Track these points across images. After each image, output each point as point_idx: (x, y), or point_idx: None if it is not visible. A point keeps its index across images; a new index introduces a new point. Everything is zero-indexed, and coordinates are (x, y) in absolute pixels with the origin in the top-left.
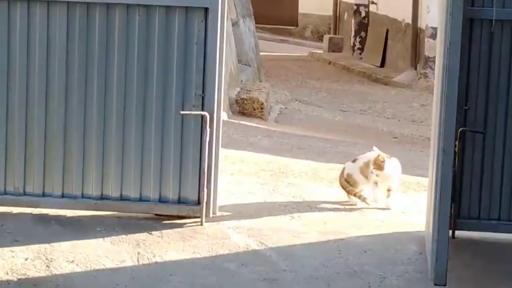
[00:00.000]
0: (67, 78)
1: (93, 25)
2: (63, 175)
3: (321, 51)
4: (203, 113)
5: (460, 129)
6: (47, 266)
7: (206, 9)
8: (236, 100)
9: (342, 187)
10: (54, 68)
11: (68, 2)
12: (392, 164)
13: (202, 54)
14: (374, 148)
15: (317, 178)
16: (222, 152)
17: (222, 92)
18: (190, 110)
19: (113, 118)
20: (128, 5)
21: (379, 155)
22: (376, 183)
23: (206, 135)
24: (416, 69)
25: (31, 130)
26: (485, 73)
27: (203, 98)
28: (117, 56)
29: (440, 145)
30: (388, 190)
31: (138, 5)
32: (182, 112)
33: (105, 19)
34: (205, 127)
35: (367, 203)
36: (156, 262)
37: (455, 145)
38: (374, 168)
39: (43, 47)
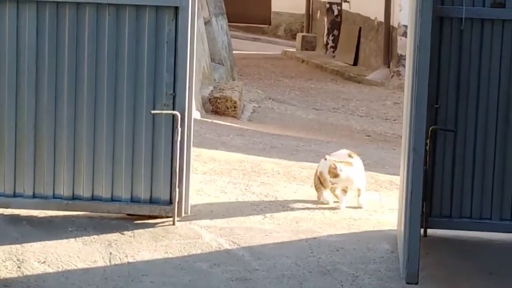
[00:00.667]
0: (37, 77)
1: (62, 24)
2: (34, 175)
3: (294, 50)
4: (174, 112)
5: (431, 127)
6: (19, 267)
7: (177, 8)
8: (209, 99)
9: (314, 185)
10: (24, 68)
11: (37, 1)
12: (351, 168)
13: (172, 53)
14: (327, 156)
15: (290, 177)
16: (194, 151)
17: (194, 91)
18: (161, 109)
19: (84, 117)
20: (98, 4)
21: (330, 164)
22: (334, 190)
23: (177, 135)
24: (389, 67)
25: (1, 130)
26: (455, 72)
27: (174, 97)
28: (87, 55)
29: (411, 143)
30: (358, 190)
31: (108, 4)
32: (153, 112)
33: (75, 18)
34: (176, 127)
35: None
36: (128, 262)
37: (426, 144)
38: (330, 177)
39: (12, 47)
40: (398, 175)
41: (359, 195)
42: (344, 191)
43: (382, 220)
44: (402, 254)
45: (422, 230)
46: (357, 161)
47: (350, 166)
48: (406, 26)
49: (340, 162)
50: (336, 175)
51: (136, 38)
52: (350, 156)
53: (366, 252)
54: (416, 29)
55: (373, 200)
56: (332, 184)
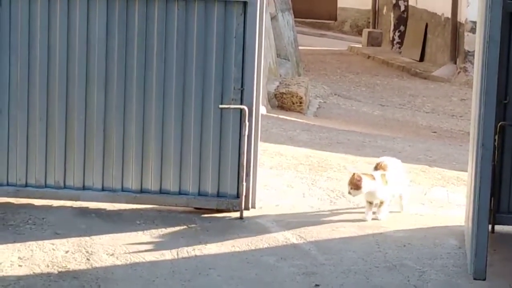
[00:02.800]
0: (106, 73)
1: (132, 19)
2: (103, 169)
3: (360, 45)
4: (242, 107)
5: (500, 123)
6: (87, 259)
7: (245, 3)
8: (275, 94)
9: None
10: (93, 62)
11: None
12: (373, 181)
13: (241, 48)
14: (348, 167)
15: None
16: (261, 145)
17: (261, 86)
18: (229, 104)
19: (153, 112)
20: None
21: (354, 174)
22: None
23: (245, 129)
24: (455, 63)
25: (71, 124)
26: None
27: (242, 92)
28: (156, 51)
29: (480, 139)
30: (381, 203)
31: None
32: (221, 106)
33: (144, 14)
34: (244, 121)
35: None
36: (196, 256)
37: (495, 139)
38: (351, 188)
39: (83, 40)
40: (465, 171)
41: (380, 206)
42: (370, 203)
43: (450, 216)
44: (470, 250)
45: (489, 226)
46: (398, 163)
47: (373, 179)
48: (473, 22)
49: (365, 174)
50: (358, 187)
51: (204, 33)
52: (380, 167)
53: (433, 248)
54: (485, 24)
55: (440, 196)
56: (352, 194)
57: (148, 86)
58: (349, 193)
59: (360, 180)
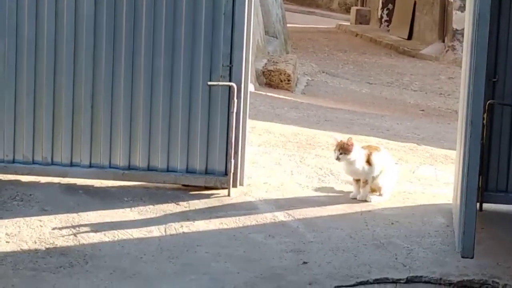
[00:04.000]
0: (94, 49)
1: None
2: (91, 145)
3: (348, 23)
4: (230, 84)
5: (489, 101)
6: (75, 236)
7: None
8: (263, 72)
9: None
10: (81, 38)
11: None
12: (360, 150)
13: (229, 25)
14: (335, 135)
15: None
16: (249, 123)
17: (250, 63)
18: (218, 81)
19: (141, 89)
20: None
21: (348, 138)
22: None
23: (233, 106)
24: (443, 41)
25: (58, 100)
26: None
27: (230, 69)
28: (145, 27)
29: (469, 117)
30: (364, 182)
31: None
32: (209, 83)
33: None
34: (233, 98)
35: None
36: (183, 233)
37: (483, 118)
38: (340, 153)
39: (71, 16)
40: (453, 149)
41: (363, 187)
42: (357, 181)
43: (437, 194)
44: (458, 228)
45: (477, 205)
46: (385, 154)
47: (362, 151)
48: (461, 0)
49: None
50: (348, 151)
51: (193, 9)
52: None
53: (421, 226)
54: (475, 2)
55: (428, 174)
56: (338, 158)
57: (136, 63)
58: (337, 158)
59: (351, 145)
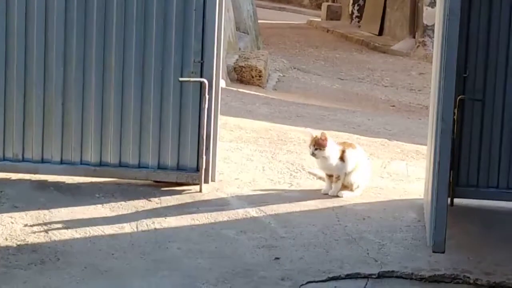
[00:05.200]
0: (65, 45)
1: None
2: (62, 142)
3: (319, 19)
4: (202, 80)
5: (459, 97)
6: (46, 232)
7: None
8: (234, 68)
9: None
10: (52, 35)
11: None
12: (335, 145)
13: (201, 20)
14: (309, 129)
15: None
16: (221, 119)
17: (221, 59)
18: (189, 77)
19: (112, 84)
20: None
21: (322, 134)
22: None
23: (205, 102)
24: (414, 37)
25: (29, 96)
26: (484, 41)
27: (201, 65)
28: (116, 22)
29: (439, 113)
30: (337, 178)
31: None
32: (181, 79)
33: None
34: (204, 94)
35: None
36: (155, 229)
37: (454, 113)
38: (315, 149)
39: (41, 12)
40: (424, 144)
41: (335, 182)
42: (329, 176)
43: (409, 189)
44: (429, 223)
45: (448, 200)
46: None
47: (336, 146)
48: None
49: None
50: (323, 147)
51: (164, 5)
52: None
53: (392, 221)
54: None
55: (399, 170)
56: (313, 154)
57: (107, 59)
58: (313, 154)
59: (325, 140)
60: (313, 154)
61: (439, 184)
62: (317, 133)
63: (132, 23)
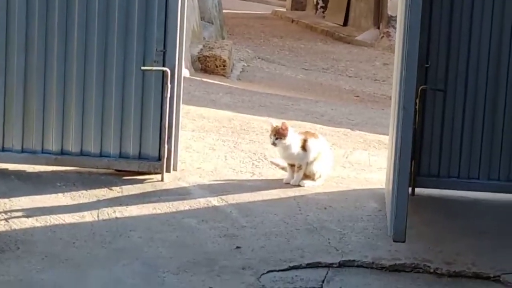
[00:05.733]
0: (26, 34)
1: None
2: (23, 130)
3: (284, 9)
4: (164, 69)
5: (421, 87)
6: (6, 221)
7: None
8: (199, 58)
9: None
10: (13, 24)
11: None
12: (295, 135)
13: (163, 9)
14: (270, 120)
15: None
16: (183, 108)
17: (184, 48)
18: (151, 66)
19: (73, 73)
20: None
21: (283, 123)
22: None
23: (167, 91)
24: (379, 28)
25: None
26: (446, 32)
27: (164, 53)
28: (78, 10)
29: (401, 102)
30: (298, 168)
31: None
32: (143, 68)
33: None
34: (166, 83)
35: None
36: (116, 218)
37: (416, 103)
38: (276, 138)
39: (2, 2)
40: (387, 134)
41: (297, 171)
42: (291, 165)
43: (371, 179)
44: (390, 213)
45: (410, 189)
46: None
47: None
48: None
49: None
50: (283, 136)
51: None
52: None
53: (354, 210)
54: None
55: (361, 159)
56: (274, 143)
57: (69, 47)
58: (273, 143)
59: (286, 129)
60: (273, 144)
61: (400, 174)
62: (278, 123)
63: (94, 11)
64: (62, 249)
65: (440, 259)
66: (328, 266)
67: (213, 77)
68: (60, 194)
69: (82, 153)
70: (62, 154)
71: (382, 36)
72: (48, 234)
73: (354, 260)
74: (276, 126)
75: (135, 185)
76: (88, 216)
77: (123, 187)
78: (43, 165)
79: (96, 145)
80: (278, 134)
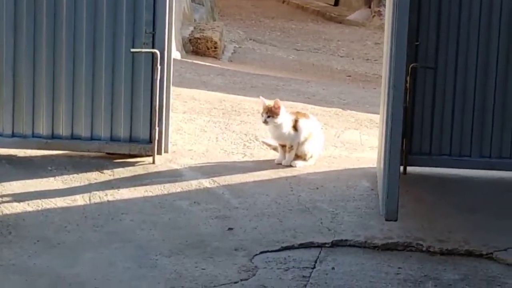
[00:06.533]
0: (15, 17)
1: None
2: (13, 114)
3: None
4: (153, 51)
5: (411, 64)
6: None
7: None
8: (190, 40)
9: None
10: (2, 5)
11: None
12: (288, 115)
13: None
14: (262, 98)
15: None
16: (174, 90)
17: (173, 30)
18: (141, 48)
19: (63, 56)
20: None
21: (275, 101)
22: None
23: (157, 73)
24: (370, 7)
25: None
26: (436, 9)
27: (153, 35)
28: None
29: (391, 80)
30: (290, 148)
31: None
32: (132, 50)
33: None
34: (156, 65)
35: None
36: (108, 201)
37: (406, 81)
38: (268, 116)
39: None
40: (378, 113)
41: (288, 152)
42: (282, 146)
43: (362, 158)
44: (382, 192)
45: (401, 168)
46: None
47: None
48: None
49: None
50: (276, 114)
51: None
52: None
53: (345, 190)
54: None
55: (353, 138)
56: (265, 121)
57: (58, 30)
58: (265, 121)
59: (278, 108)
60: (265, 122)
61: (392, 152)
62: (270, 102)
63: None
64: (54, 233)
65: (432, 237)
66: (321, 246)
67: (204, 59)
68: (51, 178)
69: (73, 137)
70: (53, 138)
71: (374, 15)
72: (40, 218)
73: (346, 240)
74: (269, 104)
75: (126, 168)
76: (79, 200)
77: (115, 170)
78: (34, 149)
79: (86, 128)
80: (270, 112)
